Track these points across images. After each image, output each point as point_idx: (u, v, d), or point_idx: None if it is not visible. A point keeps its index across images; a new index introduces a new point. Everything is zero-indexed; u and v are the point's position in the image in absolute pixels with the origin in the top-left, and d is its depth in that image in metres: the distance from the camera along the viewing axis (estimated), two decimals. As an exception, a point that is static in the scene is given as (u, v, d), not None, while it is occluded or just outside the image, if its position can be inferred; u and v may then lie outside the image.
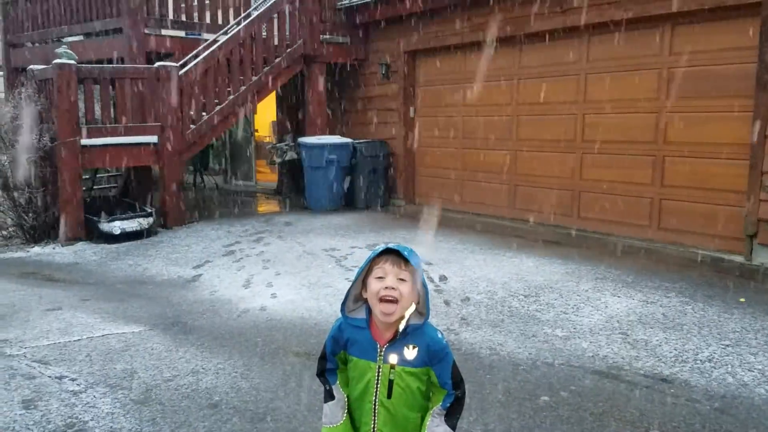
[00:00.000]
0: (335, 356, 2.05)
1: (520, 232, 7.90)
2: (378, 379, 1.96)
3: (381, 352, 1.96)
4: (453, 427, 1.98)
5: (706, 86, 6.46)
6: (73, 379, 3.82)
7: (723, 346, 4.21)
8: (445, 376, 1.96)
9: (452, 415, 1.98)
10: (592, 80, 7.51)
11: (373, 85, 10.44)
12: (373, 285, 1.92)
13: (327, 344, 2.06)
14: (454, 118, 9.36)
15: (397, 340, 1.95)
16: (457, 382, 1.98)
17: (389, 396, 1.96)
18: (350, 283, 2.01)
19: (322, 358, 2.07)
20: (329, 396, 2.06)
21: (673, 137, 6.78)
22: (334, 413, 2.04)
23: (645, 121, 6.99)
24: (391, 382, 1.95)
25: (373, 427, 1.99)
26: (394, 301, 1.89)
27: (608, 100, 7.34)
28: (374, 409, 1.98)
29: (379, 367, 1.96)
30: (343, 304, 2.00)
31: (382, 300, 1.89)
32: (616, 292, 5.37)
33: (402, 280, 1.90)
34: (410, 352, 1.94)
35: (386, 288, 1.89)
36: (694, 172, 6.59)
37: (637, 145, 7.07)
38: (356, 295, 2.00)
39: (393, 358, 1.95)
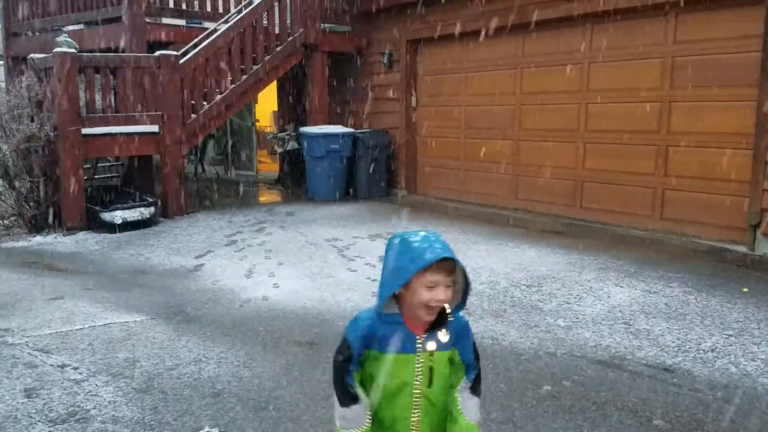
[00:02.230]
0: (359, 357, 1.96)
1: (522, 222, 7.88)
2: (419, 370, 1.93)
3: (420, 342, 1.92)
4: (479, 396, 2.03)
5: (710, 75, 6.42)
6: (75, 368, 3.82)
7: (726, 336, 4.20)
8: (468, 353, 1.98)
9: (477, 386, 2.01)
10: (595, 69, 7.47)
11: (374, 74, 10.39)
12: (424, 295, 1.84)
13: (352, 346, 1.92)
14: (456, 107, 9.32)
15: (433, 328, 1.92)
16: (477, 358, 2.00)
17: (430, 385, 1.93)
18: (388, 282, 1.88)
19: (346, 361, 1.94)
20: (351, 399, 1.93)
21: (676, 127, 6.74)
22: (358, 417, 1.94)
23: (648, 111, 6.95)
24: (431, 370, 1.92)
25: (415, 420, 1.95)
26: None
27: (611, 89, 7.30)
28: (416, 401, 1.94)
29: (419, 358, 1.92)
30: (380, 303, 1.91)
31: (428, 307, 1.87)
32: (618, 282, 5.36)
33: (449, 286, 1.87)
34: (444, 336, 1.93)
35: (437, 300, 1.85)
36: (697, 162, 6.56)
37: (641, 135, 7.04)
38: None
39: (431, 345, 1.92)
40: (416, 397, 1.94)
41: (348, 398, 1.93)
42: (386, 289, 1.88)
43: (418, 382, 1.93)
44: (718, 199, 6.40)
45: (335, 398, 1.96)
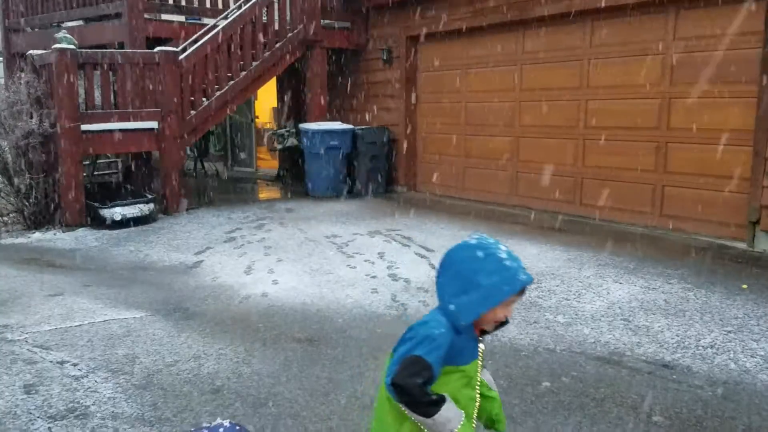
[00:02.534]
0: None
1: (521, 219, 7.88)
2: (479, 372, 1.93)
3: (478, 344, 1.92)
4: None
5: (710, 71, 6.41)
6: (74, 364, 3.82)
7: (725, 333, 4.20)
8: None
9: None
10: (595, 66, 7.46)
11: (374, 70, 10.38)
12: (501, 312, 1.84)
13: (434, 367, 1.78)
14: (456, 104, 9.31)
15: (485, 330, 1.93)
16: None
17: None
18: (479, 300, 1.80)
19: (426, 383, 1.77)
20: (438, 402, 1.79)
21: (676, 123, 6.74)
22: (454, 409, 1.81)
23: (648, 107, 6.95)
24: (481, 367, 1.93)
25: (474, 418, 1.94)
26: None
27: (611, 85, 7.29)
28: (477, 400, 1.93)
29: (479, 360, 1.92)
30: (469, 320, 1.82)
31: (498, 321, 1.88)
32: (618, 278, 5.36)
33: None
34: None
35: (508, 316, 1.87)
36: (697, 159, 6.56)
37: (640, 132, 7.04)
38: None
39: (482, 346, 1.93)
40: (478, 397, 1.93)
41: (435, 404, 1.79)
42: (478, 308, 1.79)
43: (477, 383, 1.93)
44: (717, 195, 6.40)
45: (420, 419, 1.79)
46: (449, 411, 1.79)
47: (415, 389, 1.74)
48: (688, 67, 6.59)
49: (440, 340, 1.77)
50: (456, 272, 1.82)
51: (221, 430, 1.17)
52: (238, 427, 1.19)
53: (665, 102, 6.81)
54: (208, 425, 1.19)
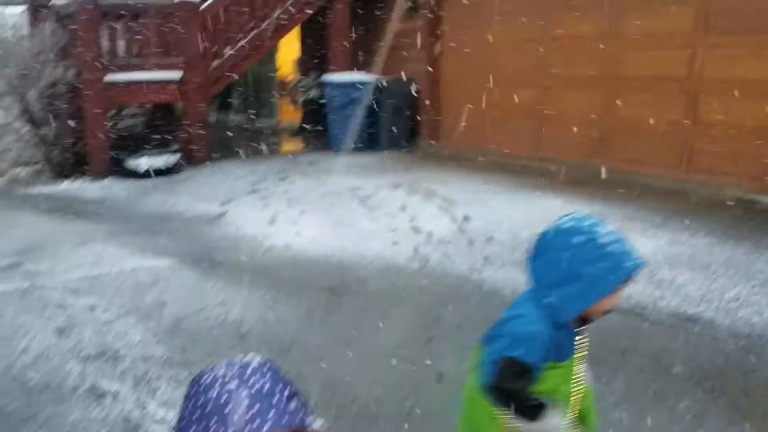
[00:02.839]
0: None
1: (546, 172, 7.79)
2: (577, 365, 1.76)
3: (577, 336, 1.73)
4: None
5: (744, 20, 6.17)
6: (104, 309, 3.93)
7: (750, 286, 4.16)
8: None
9: None
10: (624, 13, 7.23)
11: (398, 20, 10.17)
12: (608, 302, 1.64)
13: (534, 368, 1.62)
14: (480, 54, 9.11)
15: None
16: None
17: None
18: (580, 292, 1.61)
19: (524, 379, 1.61)
20: (538, 408, 1.61)
21: (707, 74, 6.54)
22: (559, 417, 1.65)
23: (679, 58, 6.74)
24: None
25: (574, 413, 1.77)
26: None
27: (641, 34, 7.07)
28: (576, 393, 1.76)
29: (577, 354, 1.74)
30: (569, 317, 1.66)
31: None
32: (643, 232, 5.31)
33: None
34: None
35: (617, 305, 1.68)
36: (728, 111, 6.38)
37: (670, 83, 6.85)
38: None
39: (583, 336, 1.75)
40: (575, 394, 1.75)
41: (540, 408, 1.62)
42: (580, 302, 1.61)
43: (576, 378, 1.76)
44: (747, 148, 6.24)
45: (525, 425, 1.63)
46: (554, 417, 1.62)
47: (517, 393, 1.60)
48: (721, 16, 6.35)
49: (538, 340, 1.61)
50: (552, 258, 1.63)
51: (251, 367, 1.20)
52: (267, 364, 1.22)
53: (697, 52, 6.60)
54: (239, 361, 1.22)
